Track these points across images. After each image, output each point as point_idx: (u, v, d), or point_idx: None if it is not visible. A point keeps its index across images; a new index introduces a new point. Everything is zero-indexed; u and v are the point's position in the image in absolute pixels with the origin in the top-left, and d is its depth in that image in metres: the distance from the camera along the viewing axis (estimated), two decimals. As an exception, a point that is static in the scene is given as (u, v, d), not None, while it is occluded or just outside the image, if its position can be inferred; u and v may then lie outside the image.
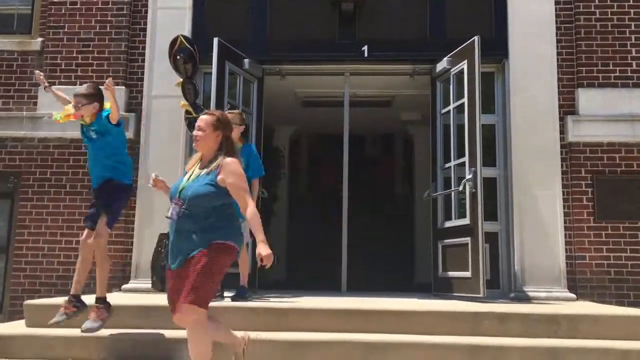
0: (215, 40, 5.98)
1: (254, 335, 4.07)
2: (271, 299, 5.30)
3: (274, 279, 8.16)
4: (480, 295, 5.45)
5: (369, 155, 10.58)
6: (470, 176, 5.68)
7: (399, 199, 10.34)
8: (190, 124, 6.13)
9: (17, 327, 4.66)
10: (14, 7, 7.10)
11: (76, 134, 6.42)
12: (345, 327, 4.50)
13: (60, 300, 4.67)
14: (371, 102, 8.57)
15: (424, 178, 7.80)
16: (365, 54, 6.51)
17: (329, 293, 6.14)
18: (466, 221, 5.77)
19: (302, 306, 4.79)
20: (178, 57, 5.99)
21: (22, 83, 6.71)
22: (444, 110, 6.42)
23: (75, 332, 4.41)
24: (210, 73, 6.02)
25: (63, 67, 6.63)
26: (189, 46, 6.02)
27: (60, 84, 6.60)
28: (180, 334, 4.37)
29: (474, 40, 5.85)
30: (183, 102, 6.04)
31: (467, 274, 5.70)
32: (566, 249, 6.10)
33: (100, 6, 6.67)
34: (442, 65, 6.36)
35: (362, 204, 8.17)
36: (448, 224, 6.15)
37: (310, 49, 6.61)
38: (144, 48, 6.63)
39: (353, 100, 7.17)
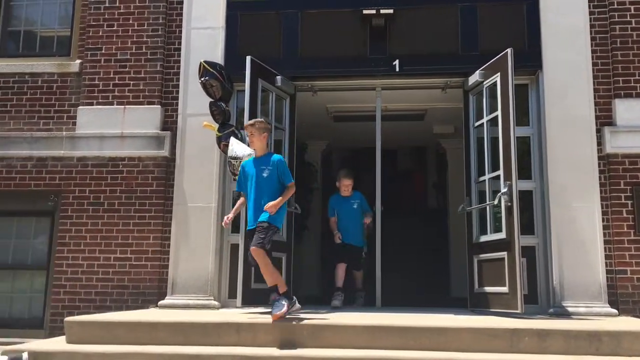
0: (248, 58, 6.06)
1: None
2: (305, 314, 5.30)
3: (307, 294, 8.14)
4: (518, 311, 5.35)
5: (401, 168, 10.54)
6: (505, 189, 5.60)
7: (432, 212, 10.26)
8: (220, 141, 6.24)
9: (57, 344, 4.75)
10: (53, 29, 7.33)
11: (113, 152, 6.64)
12: (381, 344, 4.47)
13: (99, 317, 4.76)
14: (403, 115, 8.55)
15: (457, 191, 7.72)
16: (397, 68, 6.52)
17: (363, 309, 6.10)
18: (502, 235, 5.69)
19: (336, 322, 4.77)
20: (204, 81, 6.15)
21: (61, 104, 6.91)
22: (477, 124, 6.37)
23: (115, 348, 4.48)
24: (244, 90, 6.09)
25: (101, 87, 6.81)
26: (212, 70, 6.17)
27: (98, 104, 6.80)
28: (217, 350, 4.43)
29: (506, 52, 5.81)
30: (205, 122, 6.18)
31: (504, 289, 5.60)
32: (606, 263, 5.95)
33: (136, 27, 6.84)
34: (474, 78, 6.32)
35: (396, 217, 8.12)
36: (484, 239, 6.07)
37: (341, 64, 6.65)
38: (178, 67, 6.76)
39: (385, 114, 7.17)
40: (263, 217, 5.06)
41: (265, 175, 5.17)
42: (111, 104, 6.79)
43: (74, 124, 6.81)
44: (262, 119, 5.52)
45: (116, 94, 6.79)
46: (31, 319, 6.57)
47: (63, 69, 6.97)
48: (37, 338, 5.76)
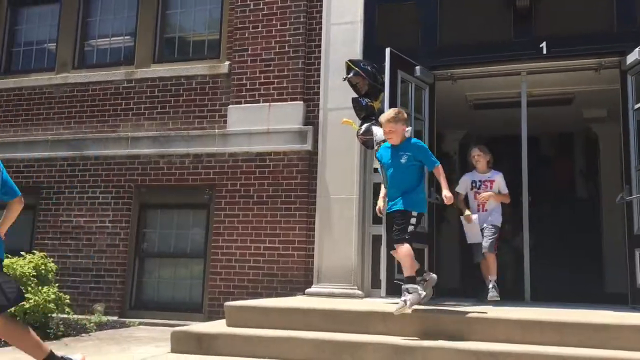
0: (387, 50, 6.08)
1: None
2: (452, 307, 5.24)
3: (449, 287, 8.02)
4: (691, 310, 4.88)
5: (548, 156, 9.99)
6: (672, 177, 5.12)
7: (582, 202, 9.62)
8: (358, 135, 6.31)
9: (219, 326, 5.11)
10: (204, 34, 7.87)
11: (260, 148, 6.99)
12: (535, 339, 4.30)
13: (256, 302, 5.06)
14: (550, 100, 8.10)
15: (611, 179, 7.19)
16: (544, 51, 6.19)
17: (511, 303, 5.90)
18: (668, 226, 5.21)
19: (487, 315, 4.66)
20: (349, 78, 6.24)
21: (213, 104, 7.40)
22: (637, 106, 5.87)
23: (271, 332, 4.75)
24: (384, 82, 6.12)
25: (248, 86, 7.20)
26: (355, 67, 6.24)
27: (246, 102, 7.19)
28: (365, 338, 4.53)
29: (672, 26, 5.29)
30: (344, 119, 6.25)
31: (673, 285, 5.14)
32: None
33: (279, 27, 7.14)
34: (633, 56, 5.83)
35: (543, 208, 7.73)
36: (646, 230, 5.60)
37: (482, 50, 6.45)
38: (319, 64, 6.96)
39: (529, 100, 6.84)
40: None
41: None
42: (257, 101, 7.15)
43: (225, 122, 7.27)
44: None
45: (262, 92, 7.15)
46: (191, 303, 7.14)
47: (214, 71, 7.47)
48: (197, 321, 6.26)
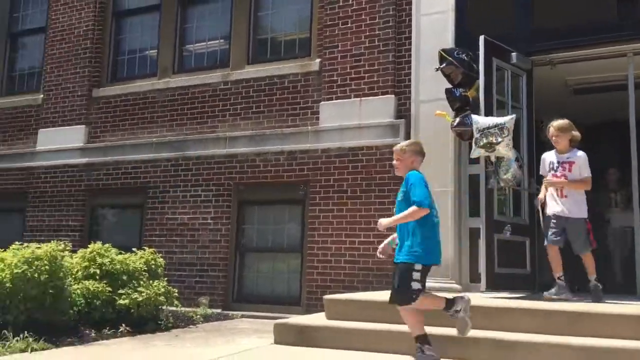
0: (481, 38, 5.93)
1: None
2: (558, 302, 5.04)
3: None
4: None
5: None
6: None
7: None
8: (452, 127, 6.17)
9: (319, 319, 5.23)
10: (294, 33, 8.02)
11: (352, 143, 7.04)
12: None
13: (355, 296, 5.12)
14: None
15: None
16: (652, 30, 5.80)
17: (622, 297, 5.59)
18: None
19: (596, 310, 4.46)
20: (442, 69, 6.13)
21: (305, 101, 7.54)
22: None
23: (370, 325, 4.79)
24: (478, 71, 5.97)
25: (339, 82, 7.27)
26: (449, 57, 6.11)
27: (337, 98, 7.26)
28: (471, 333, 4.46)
29: None
30: (438, 111, 6.14)
31: None
32: None
33: (368, 22, 7.15)
34: None
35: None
36: None
37: (583, 32, 6.12)
38: (409, 56, 6.90)
39: (638, 82, 6.42)
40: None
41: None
42: (348, 97, 7.21)
43: (317, 118, 7.38)
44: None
45: (353, 87, 7.19)
46: (290, 296, 7.32)
47: (305, 69, 7.59)
48: (295, 314, 6.40)
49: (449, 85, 6.19)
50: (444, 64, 6.11)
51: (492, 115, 5.85)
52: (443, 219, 6.37)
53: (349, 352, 4.63)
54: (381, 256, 4.45)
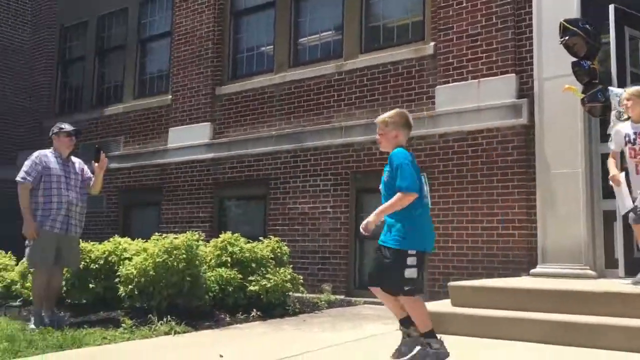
0: (611, 7, 5.55)
1: None
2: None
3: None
4: None
5: None
6: None
7: None
8: (584, 103, 5.81)
9: (443, 306, 5.18)
10: (407, 18, 7.93)
11: (471, 126, 6.86)
12: None
13: (479, 282, 5.02)
14: None
15: None
16: None
17: None
18: None
19: None
20: (565, 41, 5.77)
21: (420, 86, 7.44)
22: None
23: (500, 313, 4.68)
24: (608, 42, 5.57)
25: (455, 65, 7.09)
26: (573, 28, 5.73)
27: (454, 81, 7.10)
28: (600, 320, 4.22)
29: None
30: (566, 85, 5.79)
31: None
32: None
33: (484, 0, 6.90)
34: None
35: None
36: None
37: None
38: (530, 32, 6.58)
39: None
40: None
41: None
42: (465, 79, 7.01)
43: (433, 103, 7.26)
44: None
45: (470, 68, 6.98)
46: (411, 283, 7.28)
47: (419, 53, 7.49)
48: (419, 300, 6.37)
49: (574, 60, 5.83)
50: (568, 36, 5.76)
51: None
52: (573, 201, 6.12)
53: (477, 340, 4.55)
54: (365, 233, 3.76)
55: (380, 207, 3.67)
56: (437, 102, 7.21)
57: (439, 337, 3.73)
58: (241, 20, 9.64)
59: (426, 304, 5.49)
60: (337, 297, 7.38)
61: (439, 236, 6.94)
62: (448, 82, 7.14)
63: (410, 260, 3.63)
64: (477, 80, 6.91)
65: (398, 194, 3.61)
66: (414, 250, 3.65)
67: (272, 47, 9.09)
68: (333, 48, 8.47)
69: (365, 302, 7.17)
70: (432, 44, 7.37)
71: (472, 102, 6.91)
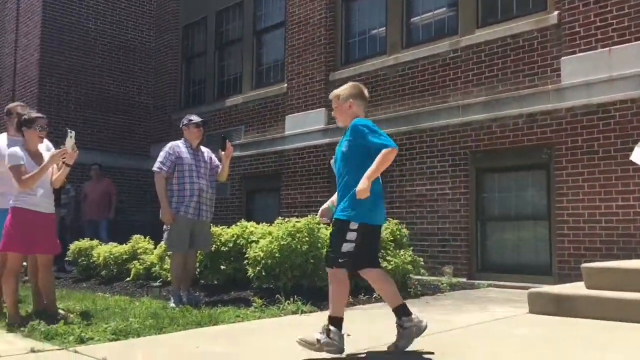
0: None
1: None
2: None
3: None
4: None
5: None
6: None
7: None
8: None
9: (577, 288, 4.92)
10: (527, -12, 7.54)
11: (601, 98, 6.42)
12: None
13: (616, 264, 4.71)
14: None
15: None
16: None
17: None
18: None
19: None
20: None
21: (543, 59, 7.06)
22: None
23: (633, 295, 4.37)
24: None
25: (582, 33, 6.66)
26: None
27: (581, 51, 6.68)
28: None
29: None
30: None
31: None
32: None
33: (614, -39, 6.40)
34: None
35: None
36: None
37: None
38: (669, -9, 6.01)
39: None
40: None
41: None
42: (594, 48, 6.56)
43: (558, 75, 6.87)
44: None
45: (599, 37, 6.52)
46: (538, 265, 6.99)
47: (541, 24, 7.11)
48: (545, 283, 6.09)
49: None
50: None
51: None
52: None
53: (615, 323, 4.29)
54: (322, 219, 3.78)
55: (368, 171, 3.45)
56: (562, 74, 6.81)
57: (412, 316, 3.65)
58: (352, 4, 9.65)
59: (557, 286, 5.29)
60: (459, 279, 7.26)
61: (569, 216, 6.62)
62: (575, 52, 6.72)
63: (350, 235, 3.54)
64: (607, 49, 6.44)
65: (383, 151, 3.45)
66: (356, 223, 3.54)
67: (384, 29, 9.02)
68: (447, 25, 8.25)
69: (489, 285, 6.99)
70: (556, 13, 6.95)
71: (602, 72, 6.46)
